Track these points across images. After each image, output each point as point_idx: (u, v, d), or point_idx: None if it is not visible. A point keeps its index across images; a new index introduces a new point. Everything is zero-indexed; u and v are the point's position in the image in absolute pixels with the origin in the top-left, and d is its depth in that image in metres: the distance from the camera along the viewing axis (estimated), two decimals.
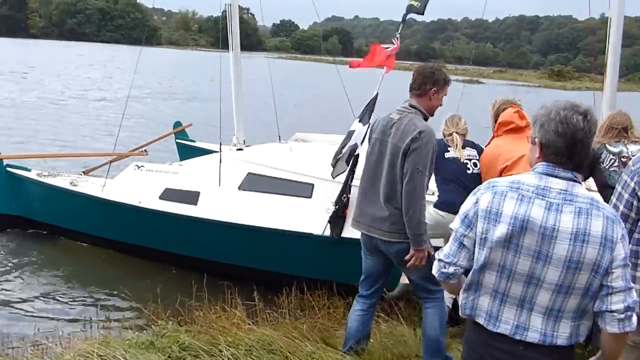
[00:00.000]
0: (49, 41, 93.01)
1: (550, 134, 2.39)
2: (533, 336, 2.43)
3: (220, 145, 8.07)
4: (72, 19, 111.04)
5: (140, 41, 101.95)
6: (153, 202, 7.70)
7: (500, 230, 2.39)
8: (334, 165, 6.34)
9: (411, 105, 4.33)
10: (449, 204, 5.35)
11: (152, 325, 5.64)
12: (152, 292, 6.44)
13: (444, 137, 5.65)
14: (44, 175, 9.07)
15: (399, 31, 7.08)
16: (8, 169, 9.05)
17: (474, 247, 2.50)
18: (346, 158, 6.24)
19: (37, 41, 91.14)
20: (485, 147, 5.61)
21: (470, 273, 2.53)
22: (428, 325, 4.54)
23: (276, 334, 4.87)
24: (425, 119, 4.36)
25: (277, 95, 9.78)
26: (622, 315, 2.35)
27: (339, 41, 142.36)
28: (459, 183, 5.47)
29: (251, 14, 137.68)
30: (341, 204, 6.45)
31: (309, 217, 6.72)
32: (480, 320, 2.54)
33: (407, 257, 4.26)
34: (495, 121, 5.41)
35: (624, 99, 8.99)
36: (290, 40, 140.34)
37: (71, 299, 7.29)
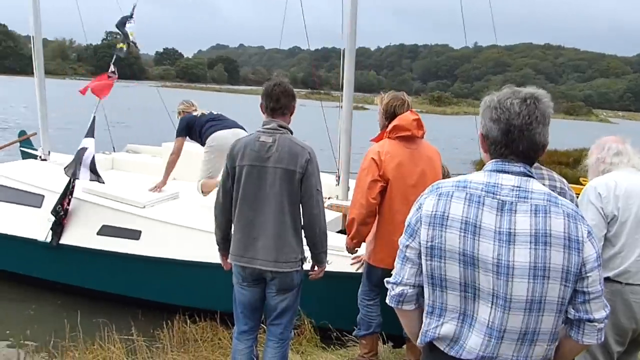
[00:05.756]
0: None
1: (487, 122, 2.15)
2: None
3: None
4: None
5: (14, 70, 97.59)
6: None
7: (451, 239, 2.09)
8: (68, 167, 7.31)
9: (280, 126, 4.14)
10: None
11: None
12: (22, 333, 6.03)
13: None
14: None
15: (112, 62, 8.04)
16: None
17: (419, 259, 2.18)
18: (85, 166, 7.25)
19: None
20: (374, 140, 4.97)
21: (426, 294, 2.20)
22: None
23: None
24: None
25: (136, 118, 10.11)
26: (602, 325, 2.10)
27: (225, 69, 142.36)
28: None
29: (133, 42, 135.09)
30: (58, 215, 7.17)
31: (37, 225, 7.39)
32: (442, 346, 2.19)
33: (312, 276, 4.34)
34: (386, 118, 4.84)
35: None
36: (175, 68, 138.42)
37: None
